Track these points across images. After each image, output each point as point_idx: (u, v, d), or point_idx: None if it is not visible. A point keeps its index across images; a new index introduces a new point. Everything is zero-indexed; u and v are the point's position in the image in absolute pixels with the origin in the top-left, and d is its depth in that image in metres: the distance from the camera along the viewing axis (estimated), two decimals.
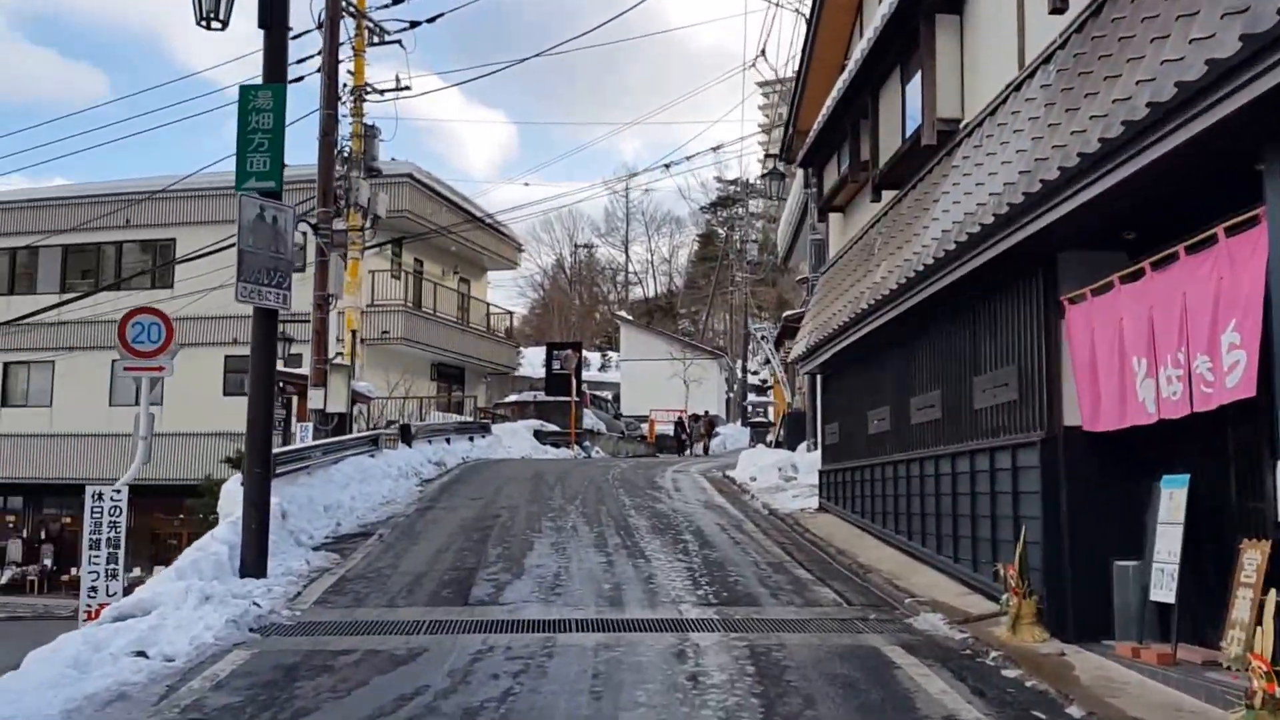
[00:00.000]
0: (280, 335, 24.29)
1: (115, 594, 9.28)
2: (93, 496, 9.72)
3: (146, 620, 7.64)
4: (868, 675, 6.68)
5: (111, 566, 9.58)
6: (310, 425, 18.12)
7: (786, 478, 18.07)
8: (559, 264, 76.02)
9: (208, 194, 28.76)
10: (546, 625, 8.11)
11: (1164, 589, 6.40)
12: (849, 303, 11.66)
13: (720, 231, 71.27)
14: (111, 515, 9.68)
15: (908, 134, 10.46)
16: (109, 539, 9.61)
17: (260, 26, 10.33)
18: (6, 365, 32.15)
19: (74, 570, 23.63)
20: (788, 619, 8.36)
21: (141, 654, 6.97)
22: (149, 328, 10.39)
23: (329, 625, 8.33)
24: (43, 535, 30.13)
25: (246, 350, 26.59)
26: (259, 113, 9.94)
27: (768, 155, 21.43)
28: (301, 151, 19.71)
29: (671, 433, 44.70)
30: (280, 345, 24.15)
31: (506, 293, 79.44)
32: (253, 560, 9.71)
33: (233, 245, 21.63)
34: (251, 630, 7.92)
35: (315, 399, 18.11)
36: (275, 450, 14.28)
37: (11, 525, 31.22)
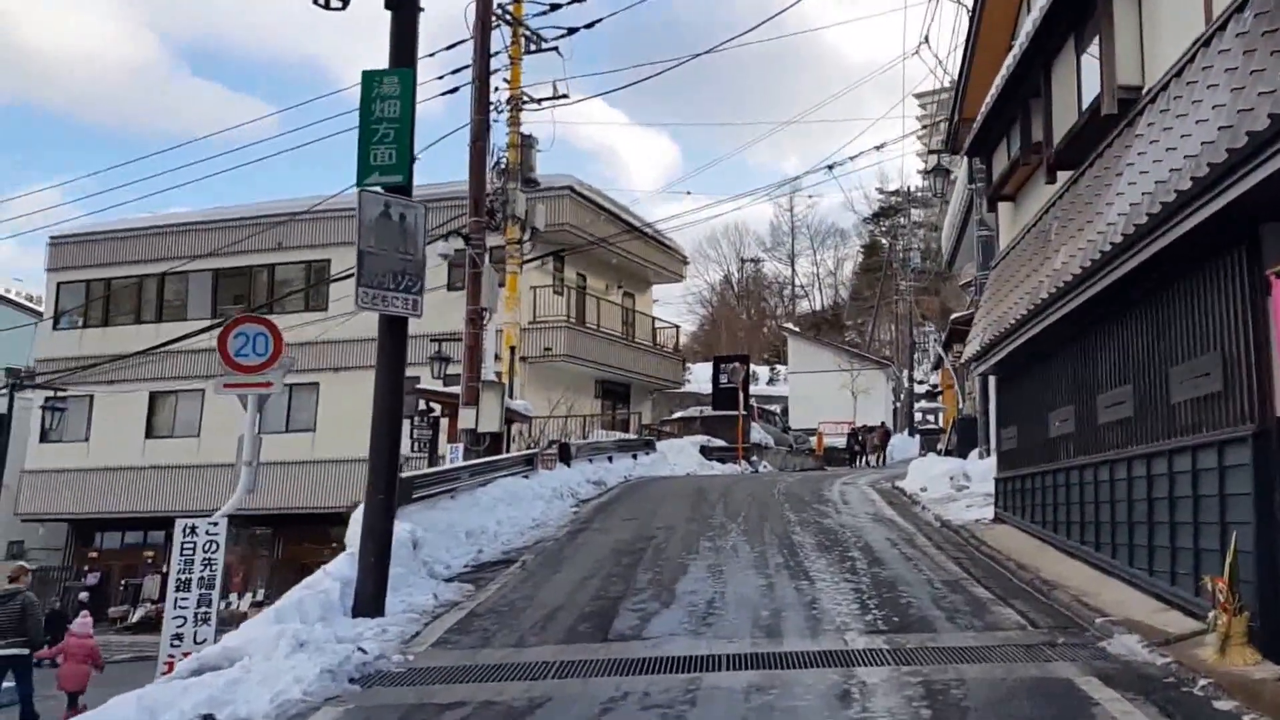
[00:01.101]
0: (436, 354, 24.58)
1: (205, 640, 8.57)
2: (184, 530, 8.99)
3: (226, 674, 6.96)
4: (1062, 715, 5.86)
5: (203, 610, 8.81)
6: (460, 446, 17.64)
7: (959, 487, 16.98)
8: (726, 280, 75.91)
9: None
10: (693, 663, 7.35)
11: None
12: (1025, 295, 10.71)
13: (883, 241, 69.70)
14: (207, 551, 8.96)
15: (1084, 107, 9.52)
16: (202, 578, 8.89)
17: (387, 7, 9.61)
18: (153, 395, 31.62)
19: None
20: (967, 646, 7.50)
21: (209, 717, 6.26)
22: (254, 339, 9.68)
23: (443, 671, 7.59)
24: None
25: (408, 371, 27.22)
26: (384, 100, 9.28)
27: (930, 151, 20.36)
28: (458, 167, 19.54)
29: (841, 445, 43.62)
30: (436, 365, 24.43)
31: (675, 310, 79.44)
32: (369, 597, 8.98)
33: None
34: (352, 681, 7.23)
35: (466, 418, 17.54)
36: (413, 473, 13.98)
37: (150, 560, 30.00)
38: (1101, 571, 9.35)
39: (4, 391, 27.47)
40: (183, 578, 9.09)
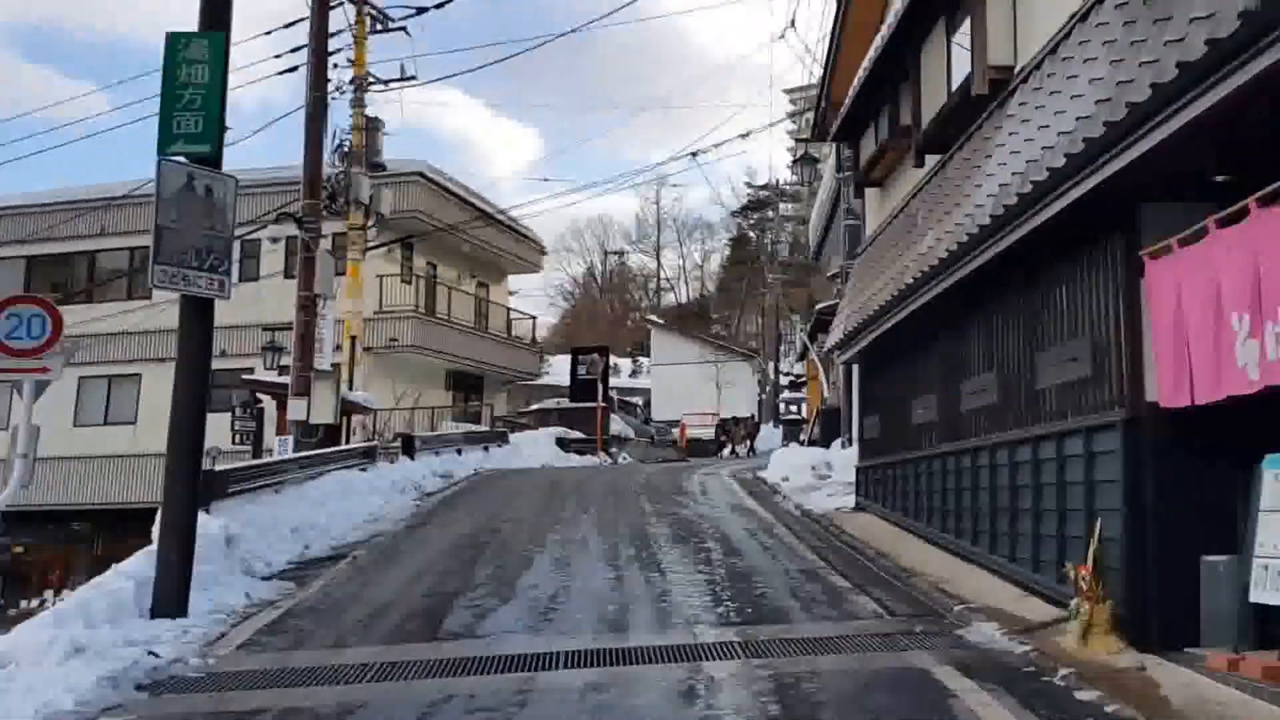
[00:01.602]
0: (270, 344, 23.42)
1: None
2: None
3: None
4: (918, 707, 5.53)
5: None
6: (290, 439, 16.55)
7: (821, 476, 16.80)
8: (590, 272, 75.33)
9: None
10: (528, 662, 6.78)
11: (1270, 588, 5.28)
12: (890, 281, 10.40)
13: (752, 235, 70.19)
14: None
15: (954, 88, 9.23)
16: None
17: None
18: None
19: (24, 603, 21.95)
20: (821, 637, 7.14)
21: None
22: (29, 320, 8.50)
23: (247, 676, 6.89)
24: None
25: (231, 364, 25.73)
26: (191, 65, 8.54)
27: (798, 140, 20.13)
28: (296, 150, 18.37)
29: (706, 436, 43.62)
30: (270, 355, 23.29)
31: (536, 302, 78.76)
32: (170, 597, 8.22)
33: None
34: (139, 688, 6.50)
35: (297, 410, 16.52)
36: (230, 466, 13.05)
37: None
38: (962, 559, 9.17)
39: None
40: None
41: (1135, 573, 6.17)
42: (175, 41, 8.72)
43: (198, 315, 8.87)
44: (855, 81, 12.00)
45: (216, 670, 7.06)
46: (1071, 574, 6.43)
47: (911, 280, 9.45)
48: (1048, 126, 6.69)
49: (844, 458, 17.00)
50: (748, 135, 23.51)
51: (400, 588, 9.64)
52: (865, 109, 12.37)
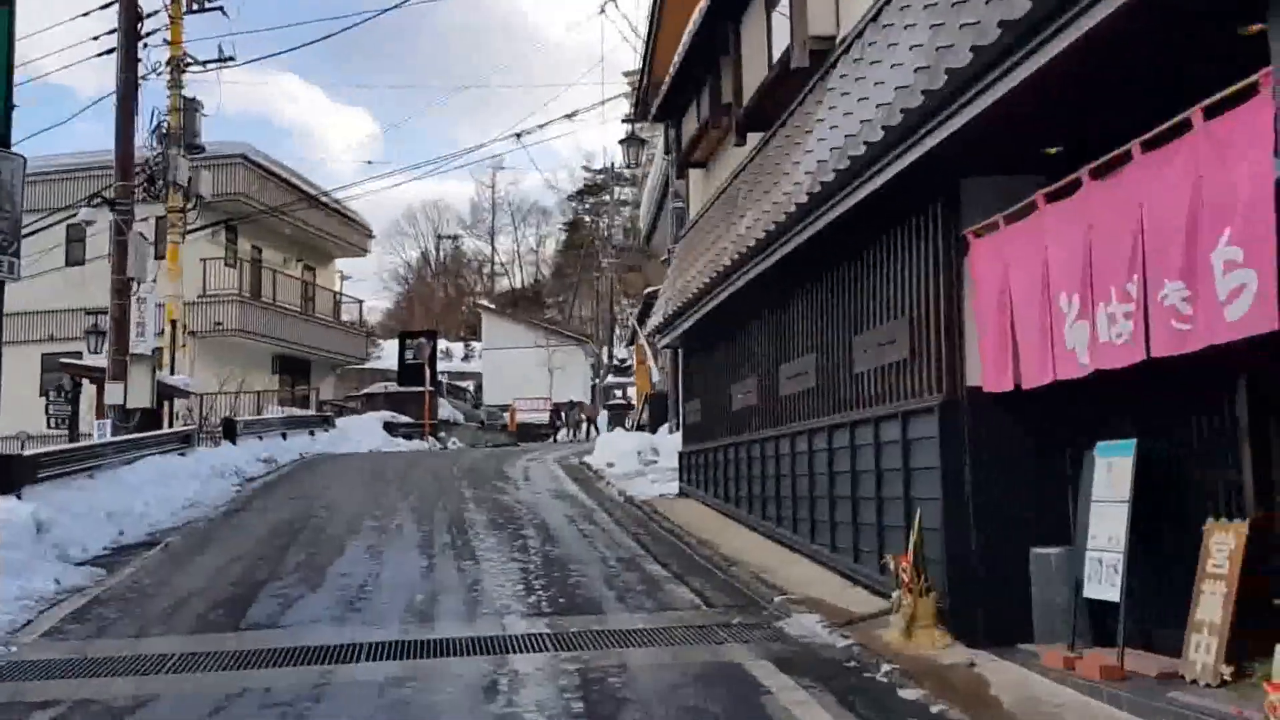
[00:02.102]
0: (93, 328, 22.19)
1: None
2: None
3: None
4: (728, 706, 5.21)
5: None
6: (109, 423, 16.10)
7: (646, 462, 16.63)
8: (424, 257, 73.87)
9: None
10: (330, 653, 6.39)
11: (1104, 583, 5.05)
12: (709, 264, 10.19)
13: (587, 220, 70.01)
14: None
15: (774, 61, 9.02)
16: None
17: None
18: None
19: None
20: (635, 629, 6.84)
21: None
22: None
23: (44, 666, 6.49)
24: None
25: (58, 348, 24.30)
26: None
27: (624, 120, 19.88)
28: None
29: (536, 421, 43.36)
30: (93, 339, 22.03)
31: (369, 286, 76.53)
32: None
33: (38, 231, 19.50)
34: None
35: (114, 394, 16.17)
36: (39, 450, 12.38)
37: None
38: (786, 548, 9.00)
39: None
40: None
41: (958, 565, 5.99)
42: None
43: None
44: (675, 57, 11.75)
45: (16, 659, 6.66)
46: (892, 565, 6.23)
47: (729, 262, 9.25)
48: (867, 99, 6.47)
49: (671, 443, 16.87)
50: (574, 115, 23.14)
51: (210, 575, 9.21)
52: (686, 86, 12.13)
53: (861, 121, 6.42)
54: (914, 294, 6.67)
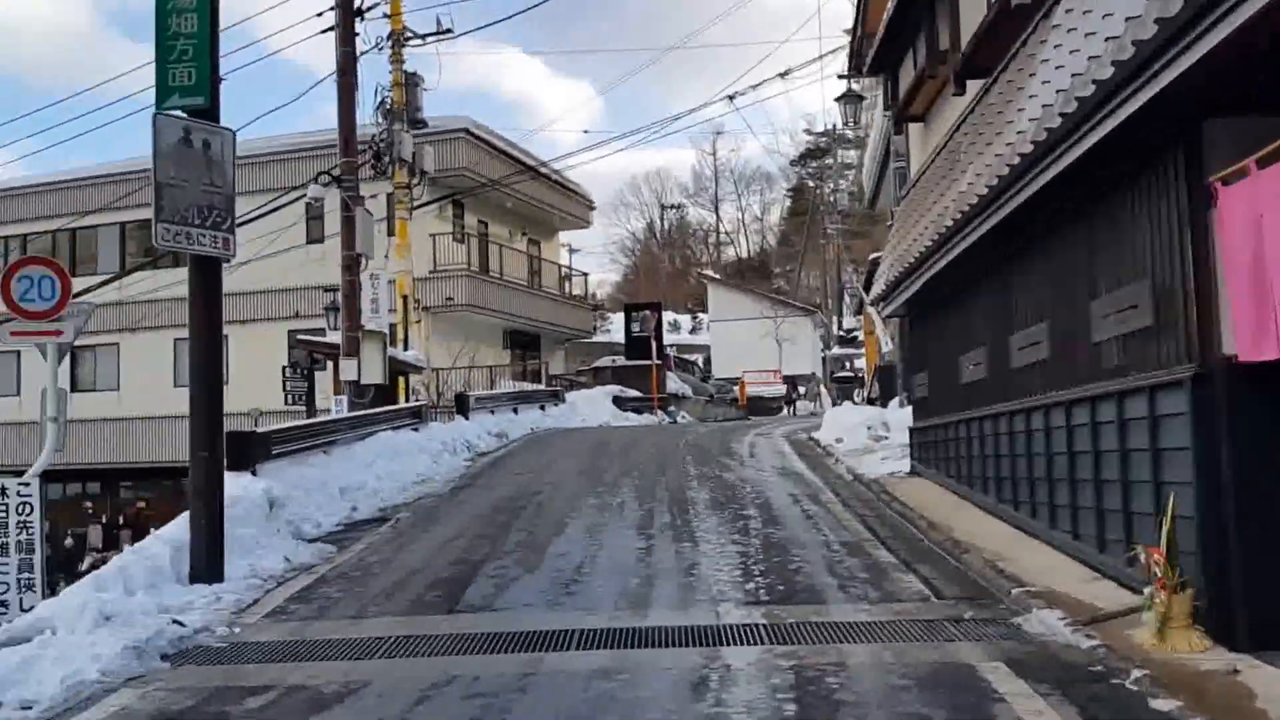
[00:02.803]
0: (331, 304, 23.25)
1: (32, 607, 7.54)
2: None
3: (23, 650, 5.98)
4: (956, 716, 4.75)
5: (26, 575, 7.86)
6: (345, 399, 16.71)
7: (876, 437, 16.01)
8: (649, 228, 74.50)
9: (257, 161, 27.61)
10: (539, 640, 6.33)
11: None
12: (929, 225, 9.57)
13: (811, 184, 68.60)
14: (21, 513, 7.94)
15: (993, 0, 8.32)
16: (20, 542, 7.88)
17: None
18: (75, 350, 31.34)
19: None
20: (856, 622, 6.43)
21: None
22: (39, 282, 8.50)
23: (266, 647, 6.68)
24: (120, 520, 29.61)
25: (303, 325, 25.88)
26: (180, 14, 8.20)
27: (840, 77, 19.07)
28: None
29: (765, 394, 42.99)
30: (332, 315, 23.08)
31: (597, 259, 78.19)
32: (203, 562, 8.07)
33: (271, 211, 20.71)
34: (164, 658, 6.29)
35: (348, 370, 16.63)
36: (273, 428, 12.95)
37: (90, 511, 30.54)
38: (1023, 533, 8.34)
39: None
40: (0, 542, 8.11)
41: (1216, 558, 5.31)
42: None
43: (205, 274, 8.59)
44: (888, 2, 11.06)
45: (239, 640, 6.87)
46: (1142, 557, 5.60)
47: (951, 223, 8.62)
48: (1094, 34, 5.75)
49: (901, 417, 16.16)
50: (787, 74, 22.16)
51: (432, 553, 9.42)
52: (901, 34, 11.40)
53: (1089, 59, 5.74)
54: (1154, 252, 5.96)
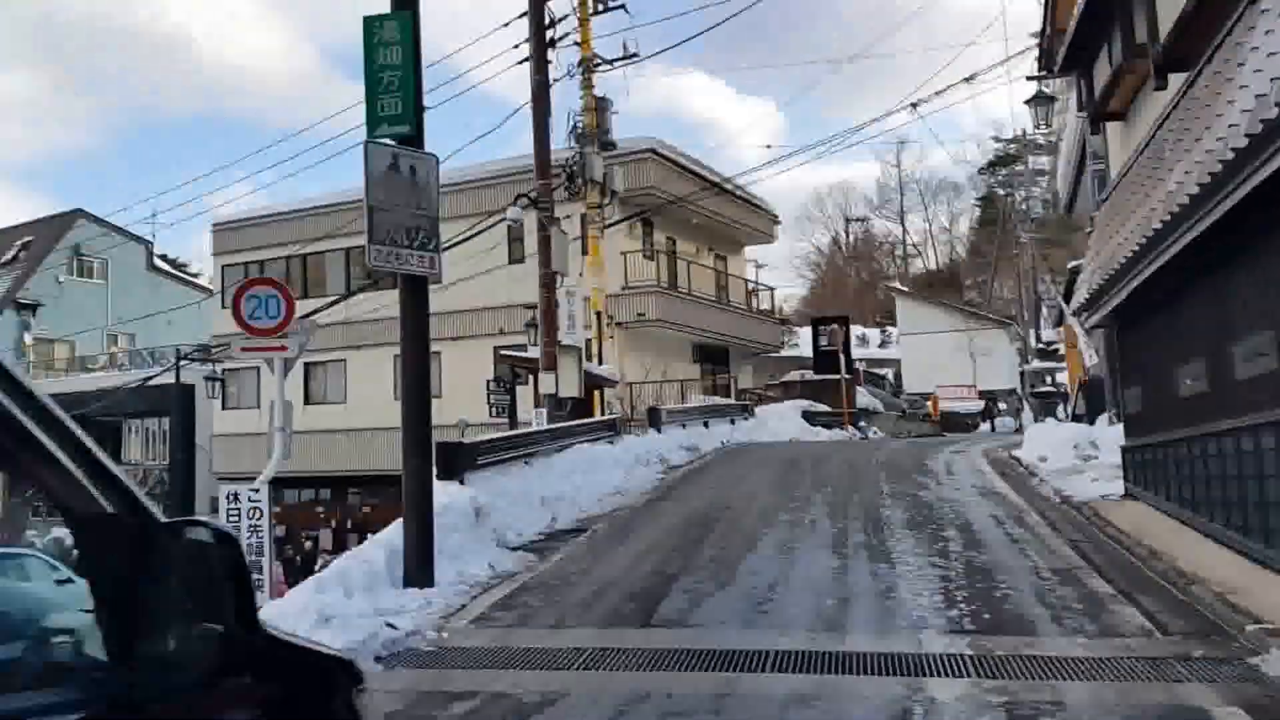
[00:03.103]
0: (531, 321, 24.05)
1: (259, 608, 8.05)
2: (228, 498, 8.56)
3: None
4: None
5: (255, 577, 8.40)
6: (544, 411, 17.39)
7: (1084, 457, 15.16)
8: (834, 241, 73.63)
9: (463, 188, 28.82)
10: (734, 659, 6.26)
11: None
12: (1135, 228, 8.96)
13: (1001, 193, 66.21)
14: (252, 518, 8.50)
15: None
16: (250, 545, 8.39)
17: None
18: (307, 366, 33.30)
19: None
20: (1072, 657, 6.05)
21: None
22: (266, 301, 9.03)
23: (470, 654, 6.91)
24: (349, 524, 31.15)
25: (512, 340, 26.89)
26: (386, 46, 8.68)
27: (1029, 78, 18.21)
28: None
29: (960, 410, 41.73)
30: (532, 332, 23.83)
31: (782, 274, 77.67)
32: (415, 567, 8.46)
33: (476, 234, 21.59)
34: (377, 660, 6.60)
35: (546, 383, 17.40)
36: (478, 439, 13.42)
37: (321, 516, 32.67)
38: (1257, 564, 7.62)
39: (190, 365, 31.62)
40: None
41: None
42: (370, 25, 8.86)
43: (415, 293, 9.02)
44: None
45: (447, 645, 7.11)
46: None
47: (1160, 225, 8.02)
48: None
49: (1112, 435, 15.26)
50: (973, 78, 21.12)
51: (628, 565, 9.52)
52: (1093, 28, 10.73)
53: None
54: None
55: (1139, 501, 11.28)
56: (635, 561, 9.60)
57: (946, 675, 5.76)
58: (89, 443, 1.68)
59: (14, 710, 1.58)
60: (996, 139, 65.53)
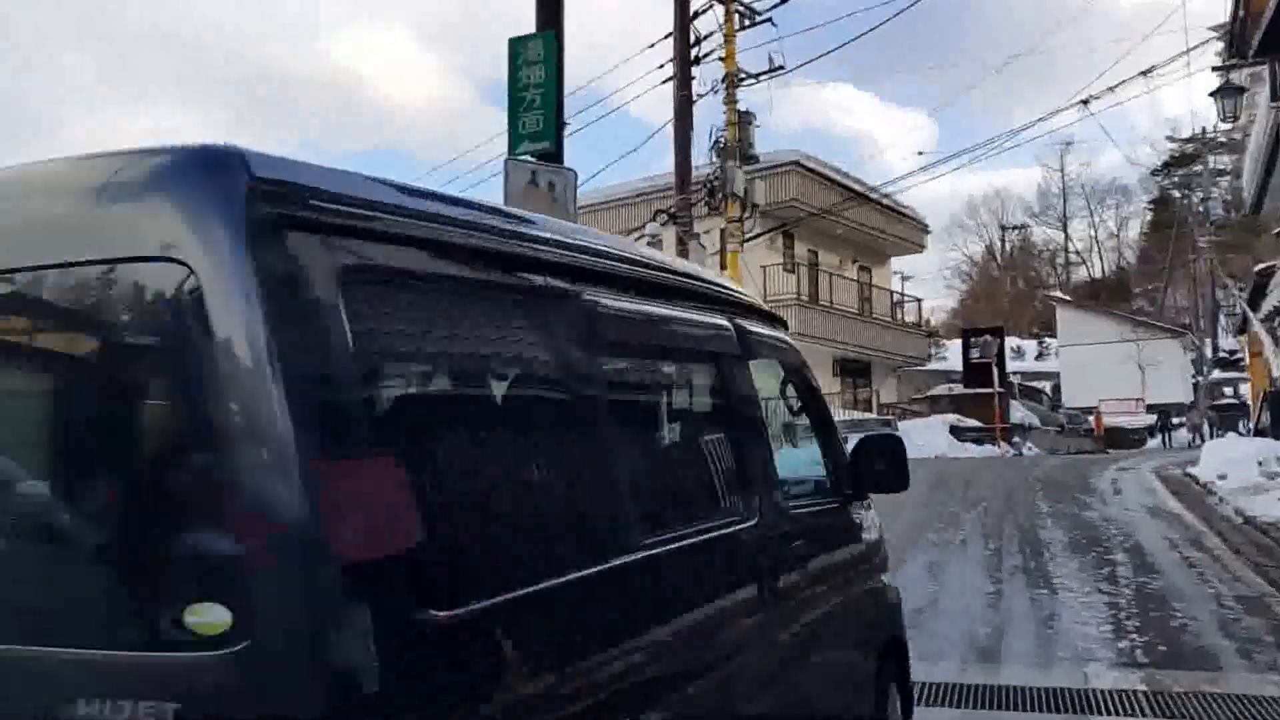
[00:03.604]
0: None
1: None
2: None
3: None
4: None
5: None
6: None
7: (1270, 474, 13.89)
8: (988, 250, 71.20)
9: (605, 207, 28.92)
10: None
11: None
12: None
13: (1177, 194, 62.68)
14: None
15: None
16: None
17: None
18: None
19: None
20: (1264, 696, 5.25)
21: None
22: None
23: None
24: None
25: None
26: (530, 65, 8.66)
27: (1215, 69, 16.81)
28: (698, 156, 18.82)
29: (1126, 425, 39.61)
30: None
31: (931, 285, 75.36)
32: None
33: None
34: None
35: None
36: None
37: None
38: None
39: None
40: None
41: None
42: (516, 46, 8.87)
43: None
44: None
45: None
46: None
47: None
48: None
49: None
50: (1150, 72, 19.48)
51: None
52: None
53: None
54: None
55: None
56: None
57: (1117, 715, 5.06)
58: None
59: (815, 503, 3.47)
60: (1171, 138, 62.08)
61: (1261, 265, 20.87)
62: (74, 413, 1.70)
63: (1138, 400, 43.62)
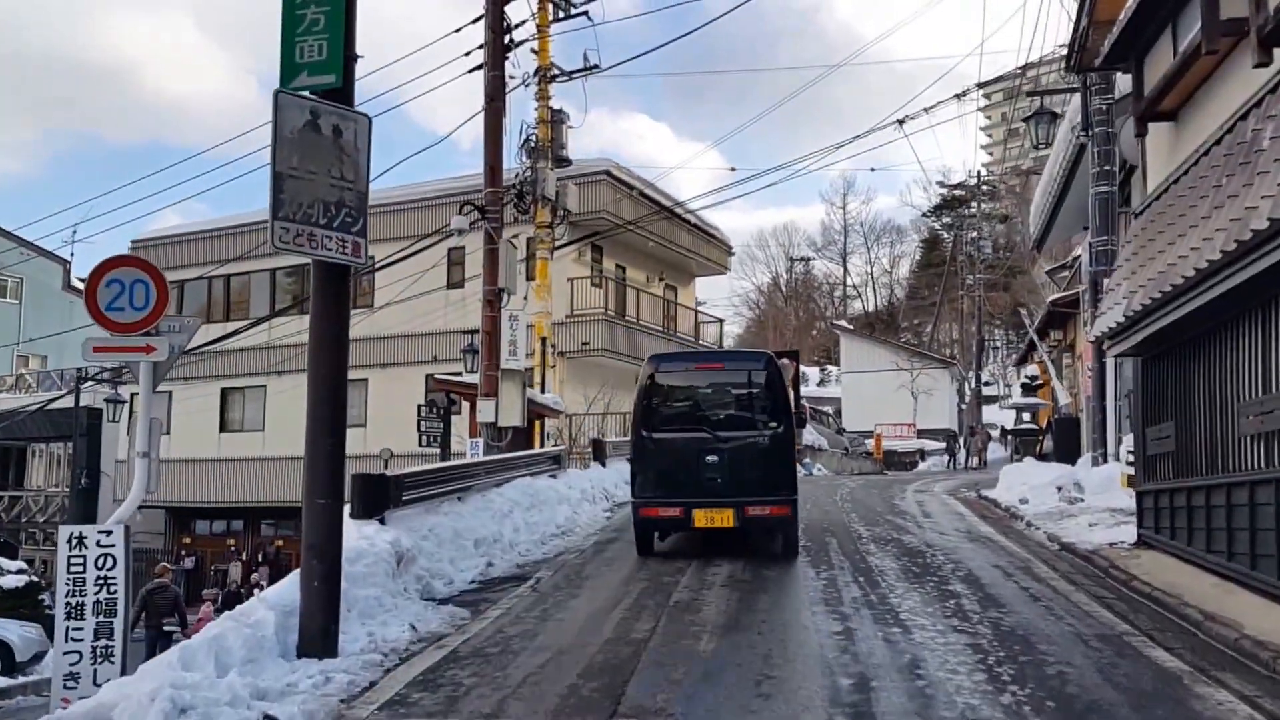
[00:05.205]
0: (469, 346, 22.33)
1: (108, 679, 6.07)
2: (70, 541, 6.51)
3: None
4: None
5: (103, 643, 6.42)
6: (480, 441, 15.67)
7: (1071, 500, 13.92)
8: (774, 281, 73.61)
9: (397, 208, 27.28)
10: None
11: None
12: (1211, 236, 7.60)
13: (945, 236, 66.37)
14: (102, 568, 6.49)
15: None
16: (99, 602, 6.44)
17: None
18: (224, 391, 32.14)
19: None
20: None
21: None
22: (131, 287, 7.10)
23: None
24: (260, 558, 29.13)
25: (447, 368, 25.29)
26: None
27: (1030, 94, 17.09)
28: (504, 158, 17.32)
29: (900, 448, 41.49)
30: (469, 358, 22.13)
31: (721, 311, 77.19)
32: (314, 632, 6.52)
33: (415, 253, 19.84)
34: None
35: (485, 411, 15.62)
36: (410, 470, 11.49)
37: (232, 547, 31.07)
38: None
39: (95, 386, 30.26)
40: (73, 602, 6.76)
41: None
42: None
43: (331, 285, 7.00)
44: None
45: None
46: None
47: (1266, 225, 6.66)
48: None
49: (1099, 477, 14.09)
50: (964, 95, 19.45)
51: (582, 627, 7.70)
52: (1157, 10, 9.50)
53: None
54: None
55: (1158, 552, 9.94)
56: (591, 621, 7.83)
57: None
58: None
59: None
60: (943, 184, 65.80)
61: (1057, 296, 21.53)
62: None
63: (909, 425, 45.50)
